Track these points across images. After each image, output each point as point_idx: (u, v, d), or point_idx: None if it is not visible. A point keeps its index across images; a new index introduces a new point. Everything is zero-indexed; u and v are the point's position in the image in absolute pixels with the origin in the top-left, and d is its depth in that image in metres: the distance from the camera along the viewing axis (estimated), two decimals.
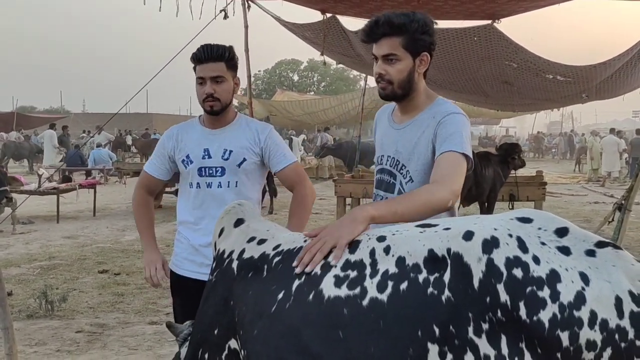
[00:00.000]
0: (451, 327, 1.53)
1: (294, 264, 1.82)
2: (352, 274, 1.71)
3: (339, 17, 8.41)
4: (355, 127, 21.59)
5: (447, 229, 1.68)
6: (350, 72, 55.41)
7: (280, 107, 31.28)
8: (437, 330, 1.54)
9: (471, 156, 2.33)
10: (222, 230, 2.20)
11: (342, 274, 1.72)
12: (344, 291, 1.69)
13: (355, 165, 14.43)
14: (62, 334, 5.30)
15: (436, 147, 2.36)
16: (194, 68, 2.94)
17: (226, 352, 2.00)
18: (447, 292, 1.56)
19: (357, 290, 1.67)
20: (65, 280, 7.20)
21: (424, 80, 2.50)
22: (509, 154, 8.70)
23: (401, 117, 2.56)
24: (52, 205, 12.24)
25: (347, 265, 1.74)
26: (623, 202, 8.10)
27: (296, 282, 1.80)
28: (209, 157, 2.99)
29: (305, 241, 1.92)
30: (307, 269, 1.77)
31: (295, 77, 64.03)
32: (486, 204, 8.57)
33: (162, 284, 3.02)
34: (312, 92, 56.76)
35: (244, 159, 2.99)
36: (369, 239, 1.79)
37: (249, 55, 8.28)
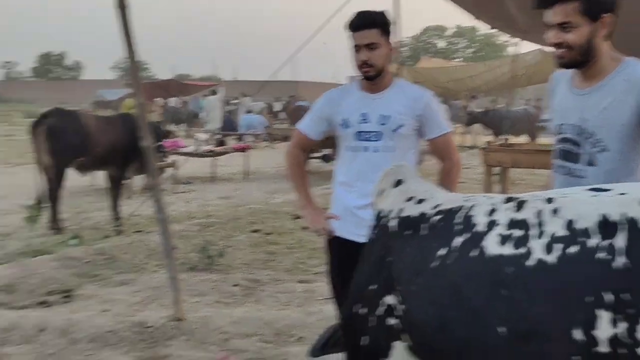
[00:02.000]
0: (626, 295, 1.47)
1: None
2: (518, 233, 1.69)
3: None
4: (504, 95, 20.78)
5: (623, 194, 1.60)
6: (498, 37, 53.32)
7: (427, 74, 30.76)
8: (609, 297, 1.49)
9: None
10: (381, 191, 2.25)
11: (506, 233, 1.71)
12: (508, 249, 1.67)
13: (503, 134, 13.98)
14: (220, 286, 5.65)
15: None
16: (350, 35, 2.99)
17: (381, 307, 2.05)
18: (621, 259, 1.49)
19: (523, 250, 1.65)
20: (222, 238, 7.63)
21: (609, 41, 2.29)
22: None
23: (584, 83, 2.38)
24: (208, 167, 13.02)
25: (512, 224, 1.72)
26: None
27: (458, 239, 1.81)
28: (366, 121, 3.03)
29: (465, 200, 1.92)
30: None
31: (441, 44, 62.62)
32: None
33: (332, 232, 3.12)
34: (460, 59, 55.31)
35: (401, 125, 3.01)
36: (536, 199, 1.74)
37: (399, 22, 8.21)
